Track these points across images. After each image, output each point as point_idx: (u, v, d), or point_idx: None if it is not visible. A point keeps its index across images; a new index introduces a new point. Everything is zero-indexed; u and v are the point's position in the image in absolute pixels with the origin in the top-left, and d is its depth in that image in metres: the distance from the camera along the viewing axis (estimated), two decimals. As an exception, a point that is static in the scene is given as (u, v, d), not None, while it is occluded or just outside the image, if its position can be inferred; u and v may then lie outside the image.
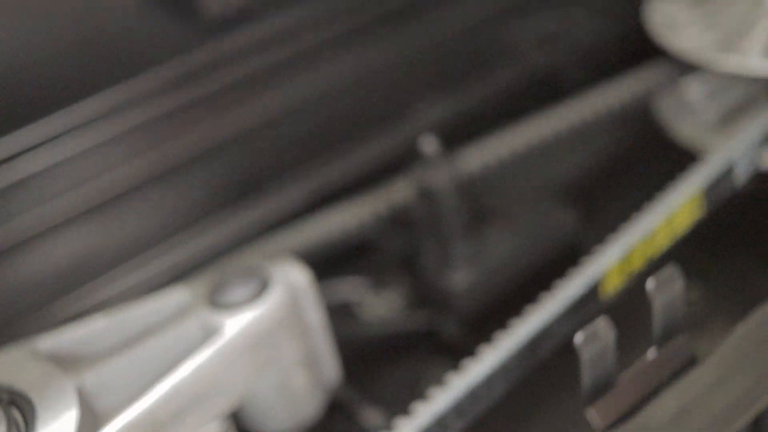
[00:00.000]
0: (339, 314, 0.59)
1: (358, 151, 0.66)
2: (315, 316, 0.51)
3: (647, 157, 0.65)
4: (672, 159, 0.59)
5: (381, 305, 0.61)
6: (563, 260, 0.55)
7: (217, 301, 0.49)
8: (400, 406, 0.48)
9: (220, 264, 0.58)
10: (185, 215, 0.63)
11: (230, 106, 0.64)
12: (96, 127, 0.59)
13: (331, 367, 0.52)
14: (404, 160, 0.64)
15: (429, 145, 0.53)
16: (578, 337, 0.38)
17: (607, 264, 0.51)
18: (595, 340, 0.38)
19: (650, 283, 0.39)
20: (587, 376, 0.38)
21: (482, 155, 0.63)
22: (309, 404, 0.51)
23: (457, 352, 0.54)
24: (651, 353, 0.40)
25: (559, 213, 0.58)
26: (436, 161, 0.53)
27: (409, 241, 0.61)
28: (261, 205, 0.64)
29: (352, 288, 0.61)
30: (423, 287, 0.57)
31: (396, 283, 0.61)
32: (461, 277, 0.55)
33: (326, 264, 0.60)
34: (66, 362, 0.48)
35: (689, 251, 0.53)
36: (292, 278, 0.50)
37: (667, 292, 0.39)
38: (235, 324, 0.48)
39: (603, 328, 0.38)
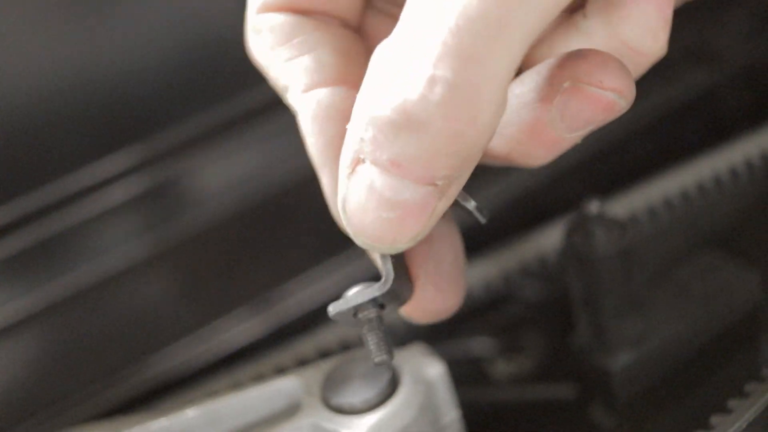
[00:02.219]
0: (468, 372, 0.52)
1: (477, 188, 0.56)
2: (451, 414, 0.42)
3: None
4: None
5: (515, 368, 0.52)
6: (743, 335, 0.48)
7: (332, 400, 0.40)
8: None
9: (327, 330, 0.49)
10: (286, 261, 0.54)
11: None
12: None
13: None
14: (541, 198, 0.56)
15: (593, 207, 0.43)
16: None
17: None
18: None
19: None
20: None
21: (630, 203, 0.53)
22: None
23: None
24: None
25: (737, 276, 0.48)
26: (599, 227, 0.44)
27: (553, 301, 0.52)
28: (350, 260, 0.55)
29: (483, 347, 0.52)
30: (572, 360, 0.48)
31: (533, 346, 0.53)
32: (618, 359, 0.46)
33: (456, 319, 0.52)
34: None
35: None
36: (426, 374, 0.41)
37: None
38: (358, 433, 0.39)
39: None
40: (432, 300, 0.37)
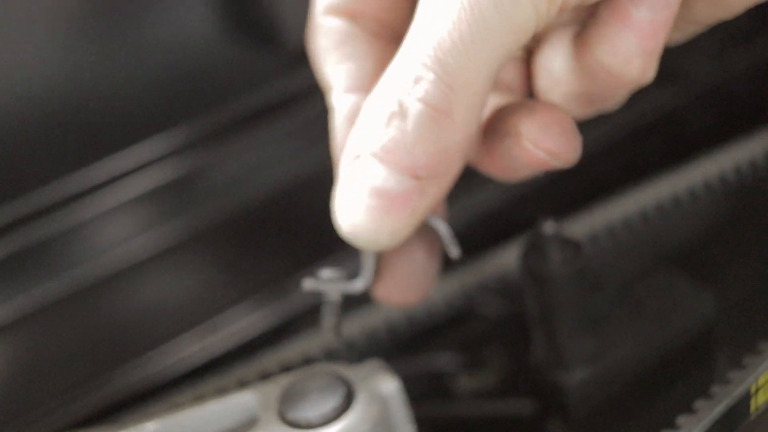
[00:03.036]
0: (431, 387, 0.52)
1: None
2: (405, 430, 0.43)
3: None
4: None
5: (476, 383, 0.53)
6: (696, 353, 0.49)
7: (289, 415, 0.41)
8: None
9: (293, 348, 0.50)
10: (259, 271, 0.55)
11: (315, 140, 0.56)
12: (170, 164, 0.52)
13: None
14: (508, 217, 0.56)
15: (548, 228, 0.44)
16: None
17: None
18: None
19: None
20: None
21: (590, 223, 0.54)
22: None
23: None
24: None
25: (691, 295, 0.49)
26: (554, 247, 0.45)
27: (514, 317, 0.53)
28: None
29: (446, 362, 0.53)
30: (530, 376, 0.49)
31: (496, 362, 0.54)
32: (574, 376, 0.47)
33: (418, 335, 0.53)
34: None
35: None
36: (381, 390, 0.42)
37: None
38: (310, 449, 0.40)
39: None
40: (391, 294, 0.42)
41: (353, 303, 0.51)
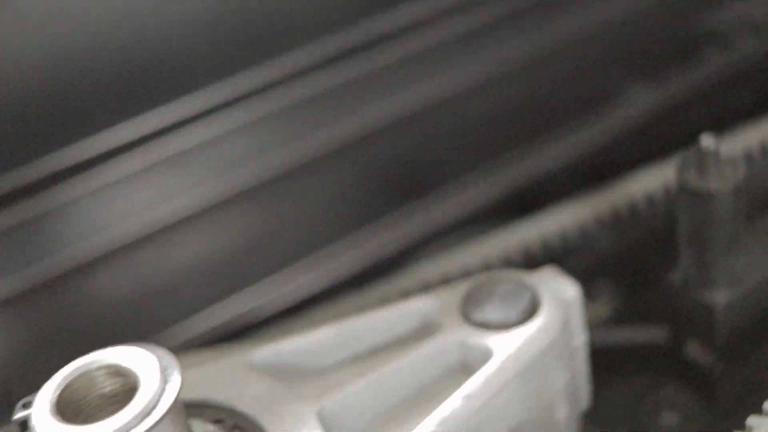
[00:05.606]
0: None
1: (548, 143, 0.57)
2: (581, 337, 0.43)
3: None
4: None
5: (588, 314, 0.53)
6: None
7: (477, 318, 0.40)
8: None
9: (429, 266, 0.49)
10: (341, 214, 0.54)
11: (391, 87, 0.55)
12: (239, 109, 0.51)
13: (586, 392, 0.44)
14: (607, 156, 0.57)
15: (708, 143, 0.44)
16: None
17: None
18: None
19: None
20: None
21: (745, 142, 0.54)
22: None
23: (699, 377, 0.48)
24: None
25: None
26: (713, 162, 0.45)
27: (626, 251, 0.53)
28: (431, 205, 0.55)
29: None
30: (669, 299, 0.49)
31: (610, 291, 0.54)
32: (722, 296, 0.47)
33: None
34: (291, 380, 0.39)
35: None
36: (563, 294, 0.41)
37: None
38: (507, 347, 0.39)
39: None
40: None
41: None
